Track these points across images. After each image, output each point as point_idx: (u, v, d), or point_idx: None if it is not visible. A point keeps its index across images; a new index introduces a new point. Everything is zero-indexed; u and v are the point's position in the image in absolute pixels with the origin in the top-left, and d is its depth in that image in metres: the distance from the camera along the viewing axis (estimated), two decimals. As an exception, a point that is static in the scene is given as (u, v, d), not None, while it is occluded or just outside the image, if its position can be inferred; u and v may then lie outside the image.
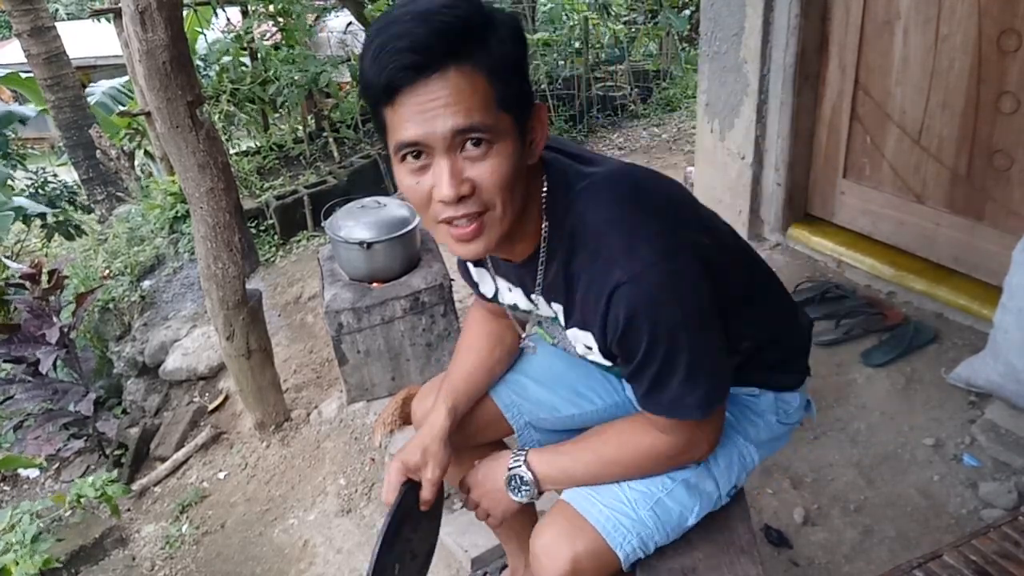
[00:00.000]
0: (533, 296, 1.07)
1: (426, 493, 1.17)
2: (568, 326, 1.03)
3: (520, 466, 1.11)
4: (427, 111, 0.80)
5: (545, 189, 0.96)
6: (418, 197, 0.87)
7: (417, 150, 0.83)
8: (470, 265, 1.18)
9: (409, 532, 1.16)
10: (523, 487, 1.11)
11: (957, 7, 2.15)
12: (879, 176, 2.55)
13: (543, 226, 0.97)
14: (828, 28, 2.54)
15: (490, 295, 1.18)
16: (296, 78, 4.49)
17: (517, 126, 0.85)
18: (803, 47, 2.55)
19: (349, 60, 5.24)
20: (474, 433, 1.31)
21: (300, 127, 5.02)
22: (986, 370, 1.94)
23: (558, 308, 1.04)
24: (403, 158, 0.85)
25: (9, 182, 6.15)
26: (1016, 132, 2.12)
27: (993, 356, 1.91)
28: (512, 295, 1.13)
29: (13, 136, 6.82)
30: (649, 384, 0.97)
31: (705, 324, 0.95)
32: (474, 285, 1.22)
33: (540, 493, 1.12)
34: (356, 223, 2.34)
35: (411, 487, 1.17)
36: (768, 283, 1.17)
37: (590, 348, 1.02)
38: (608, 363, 1.03)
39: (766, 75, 2.66)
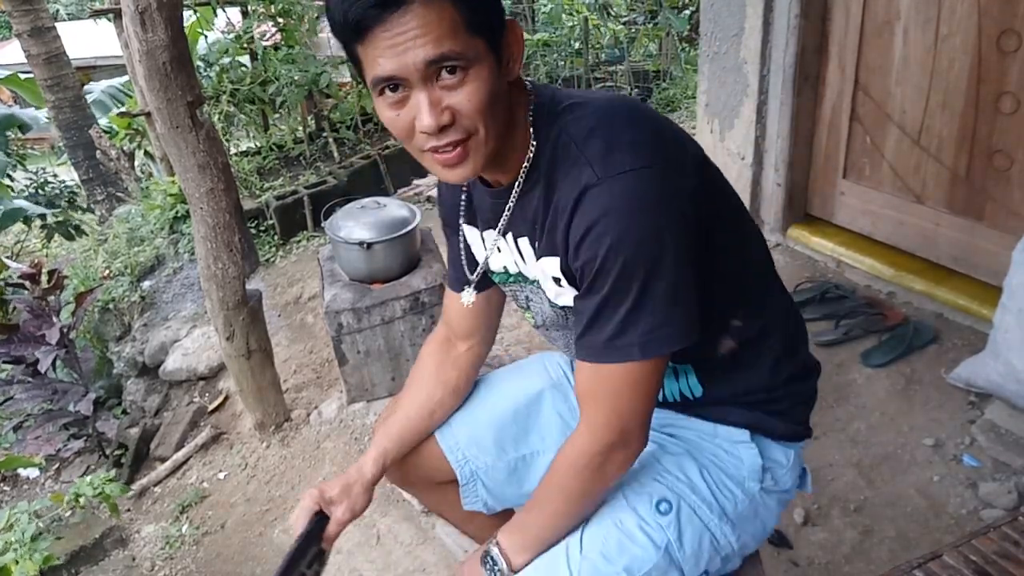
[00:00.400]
0: (507, 239, 1.02)
1: (331, 530, 1.15)
2: (539, 255, 0.98)
3: (491, 546, 1.07)
4: (397, 45, 0.80)
5: (532, 108, 0.94)
6: (400, 129, 0.87)
7: (394, 83, 0.83)
8: (465, 227, 1.13)
9: (305, 566, 1.14)
10: (496, 568, 1.05)
11: (957, 7, 2.15)
12: (879, 176, 2.55)
13: (530, 147, 0.94)
14: (828, 28, 2.54)
15: (481, 259, 1.13)
16: (296, 78, 4.49)
17: (491, 48, 0.84)
18: (803, 47, 2.55)
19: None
20: (428, 472, 1.28)
21: (300, 127, 5.02)
22: (986, 370, 1.94)
23: (525, 244, 0.99)
24: (381, 91, 0.85)
25: (9, 183, 6.15)
26: (1016, 132, 2.12)
27: (993, 356, 1.91)
28: (503, 256, 1.07)
29: (13, 136, 6.81)
30: (591, 316, 0.90)
31: (676, 255, 0.86)
32: (456, 252, 1.17)
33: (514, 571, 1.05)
34: (356, 223, 2.35)
35: (321, 519, 1.15)
36: (767, 272, 1.09)
37: (558, 280, 0.96)
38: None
39: (766, 75, 2.66)
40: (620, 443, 0.96)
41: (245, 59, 4.74)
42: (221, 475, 2.56)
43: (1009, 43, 2.06)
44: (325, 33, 6.17)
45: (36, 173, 6.86)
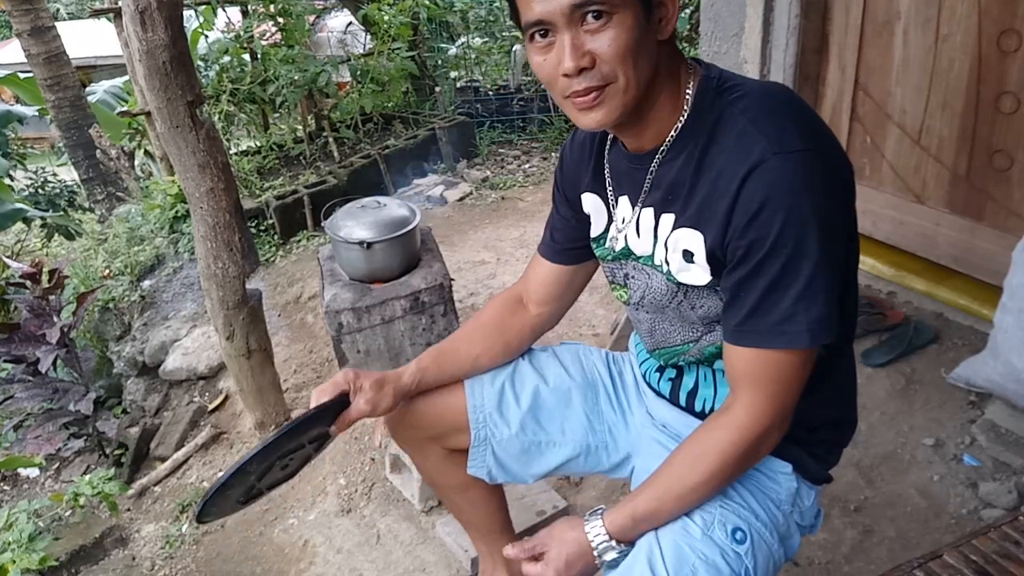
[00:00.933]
0: (643, 209, 1.01)
1: (347, 416, 1.14)
2: (675, 227, 0.96)
3: (602, 537, 1.01)
4: None
5: (698, 83, 0.94)
6: (546, 74, 0.91)
7: (544, 28, 0.88)
8: (586, 196, 1.13)
9: (308, 439, 1.15)
10: (617, 553, 1.02)
11: (957, 7, 2.15)
12: (879, 176, 2.55)
13: (682, 115, 0.94)
14: (828, 28, 2.54)
15: (597, 232, 1.13)
16: (296, 78, 4.49)
17: (642, 3, 0.86)
18: (803, 47, 2.55)
19: (349, 60, 5.24)
20: (441, 425, 1.28)
21: (300, 127, 5.02)
22: (986, 370, 1.94)
23: (668, 217, 0.97)
24: (531, 37, 0.90)
25: (9, 182, 6.14)
26: (1016, 132, 2.12)
27: (993, 356, 1.91)
28: (627, 225, 1.06)
29: (13, 136, 6.82)
30: (757, 300, 0.89)
31: (839, 240, 0.86)
32: (565, 232, 1.18)
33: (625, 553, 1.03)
34: (356, 223, 2.35)
35: (343, 401, 1.15)
36: (855, 310, 1.07)
37: (690, 255, 0.95)
38: (705, 278, 0.95)
39: (766, 75, 2.66)
40: (777, 427, 0.96)
41: (245, 59, 4.75)
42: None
43: (1009, 43, 2.06)
44: (325, 33, 6.18)
45: (36, 173, 6.86)
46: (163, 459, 2.76)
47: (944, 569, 1.17)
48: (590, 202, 1.13)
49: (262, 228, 4.07)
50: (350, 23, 5.91)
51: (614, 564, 1.02)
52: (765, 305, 0.89)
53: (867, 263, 2.58)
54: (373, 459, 2.32)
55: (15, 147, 7.03)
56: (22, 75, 6.29)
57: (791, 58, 2.56)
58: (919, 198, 2.44)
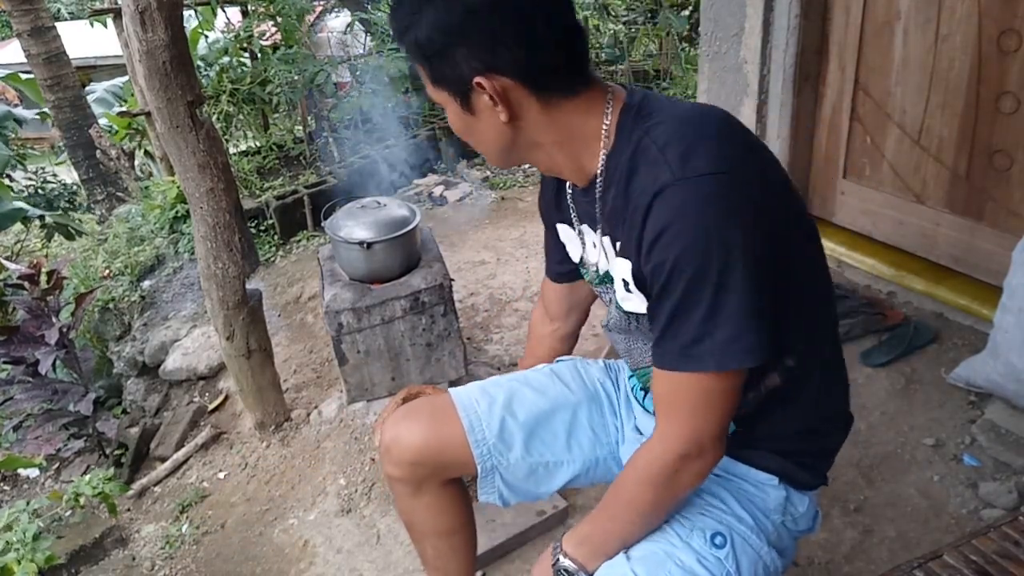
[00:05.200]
0: (600, 239, 1.06)
1: None
2: (616, 257, 1.00)
3: (560, 558, 1.05)
4: None
5: (616, 111, 0.97)
6: None
7: None
8: (558, 226, 1.20)
9: None
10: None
11: (957, 7, 2.15)
12: (879, 176, 2.55)
13: (600, 143, 0.98)
14: (828, 28, 2.54)
15: (576, 259, 1.18)
16: (296, 78, 4.49)
17: (454, 95, 0.97)
18: (803, 47, 2.55)
19: (349, 60, 5.24)
20: (444, 462, 1.27)
21: (300, 127, 5.02)
22: (986, 370, 1.94)
23: (608, 242, 1.03)
24: None
25: (9, 183, 6.14)
26: (1016, 132, 2.12)
27: (993, 356, 1.91)
28: (596, 252, 1.10)
29: (13, 136, 6.81)
30: (666, 322, 0.90)
31: (750, 265, 0.85)
32: (556, 255, 1.26)
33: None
34: (356, 223, 2.34)
35: None
36: (829, 319, 1.08)
37: (626, 284, 0.98)
38: (643, 307, 0.98)
39: (766, 75, 2.66)
40: (694, 454, 0.95)
41: (245, 59, 4.74)
42: (221, 475, 2.56)
43: (1009, 43, 2.06)
44: (325, 33, 6.18)
45: (36, 173, 6.86)
46: (163, 459, 2.76)
47: (944, 569, 1.16)
48: (563, 231, 1.19)
49: (262, 228, 4.07)
50: (350, 23, 5.91)
51: None
52: (672, 328, 0.90)
53: (867, 263, 2.58)
54: (373, 459, 2.32)
55: (15, 147, 7.02)
56: (23, 75, 6.29)
57: (791, 58, 2.56)
58: (919, 198, 2.44)
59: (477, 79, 0.92)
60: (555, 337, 1.40)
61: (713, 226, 0.84)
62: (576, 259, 1.19)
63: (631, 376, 1.28)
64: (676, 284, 0.87)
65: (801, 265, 0.98)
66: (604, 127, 0.97)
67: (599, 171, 1.00)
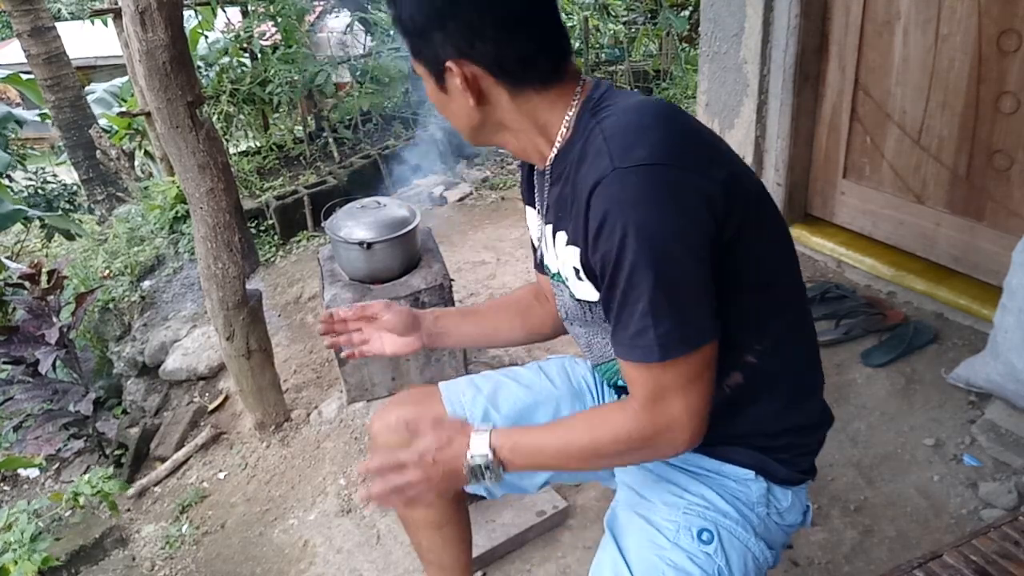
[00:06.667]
0: (545, 226, 1.09)
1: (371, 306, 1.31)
2: (565, 245, 1.01)
3: (484, 445, 1.01)
4: None
5: (579, 102, 1.00)
6: None
7: None
8: (528, 211, 1.21)
9: None
10: (485, 470, 1.02)
11: (957, 7, 2.15)
12: (879, 176, 2.55)
13: (559, 134, 1.01)
14: (828, 28, 2.54)
15: (537, 241, 1.20)
16: (296, 78, 4.49)
17: (432, 73, 1.01)
18: (803, 47, 2.55)
19: (349, 60, 5.24)
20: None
21: (300, 127, 5.02)
22: (986, 370, 1.94)
23: (561, 234, 1.02)
24: None
25: (8, 183, 6.14)
26: (1016, 132, 2.12)
27: (993, 356, 1.91)
28: (545, 247, 1.13)
29: (13, 136, 6.82)
30: (616, 311, 0.91)
31: (689, 254, 0.86)
32: (534, 249, 1.25)
33: (498, 477, 1.03)
34: (356, 223, 2.34)
35: None
36: (797, 314, 1.07)
37: (578, 272, 0.99)
38: (595, 294, 0.98)
39: (766, 75, 2.66)
40: (664, 435, 0.95)
41: (245, 59, 4.74)
42: (221, 475, 2.56)
43: (1009, 43, 2.06)
44: (325, 32, 6.18)
45: (36, 173, 6.86)
46: (163, 459, 2.76)
47: (944, 569, 1.16)
48: (530, 215, 1.21)
49: (262, 228, 4.07)
50: (350, 23, 5.91)
51: (475, 474, 1.02)
52: (623, 318, 0.91)
53: (867, 263, 2.58)
54: (373, 459, 2.32)
55: (15, 147, 7.03)
56: (23, 76, 6.29)
57: (791, 58, 2.56)
58: (919, 198, 2.44)
59: (449, 63, 0.96)
60: (556, 317, 1.29)
61: (646, 216, 0.85)
62: (535, 243, 1.21)
63: (595, 372, 1.27)
64: (618, 275, 0.88)
65: (754, 257, 0.97)
66: (566, 119, 1.00)
67: (550, 161, 1.03)
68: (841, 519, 1.82)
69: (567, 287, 1.06)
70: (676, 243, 0.85)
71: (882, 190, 2.55)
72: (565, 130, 1.00)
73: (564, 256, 1.02)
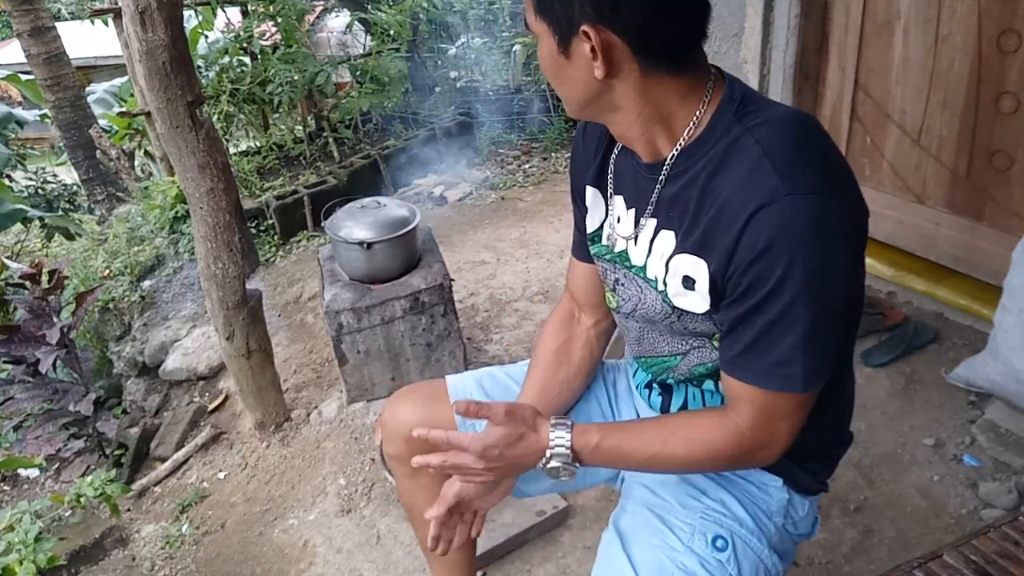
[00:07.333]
0: (642, 220, 1.01)
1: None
2: (676, 252, 0.95)
3: (564, 442, 0.99)
4: None
5: (716, 99, 0.93)
6: None
7: None
8: (588, 188, 1.13)
9: None
10: (563, 470, 1.00)
11: (957, 7, 2.15)
12: (879, 176, 2.55)
13: (693, 133, 0.93)
14: (828, 28, 2.54)
15: (592, 228, 1.13)
16: (296, 78, 4.49)
17: (554, 32, 0.92)
18: (803, 47, 2.55)
19: (349, 60, 5.23)
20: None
21: (300, 127, 5.02)
22: (986, 370, 1.94)
23: (668, 235, 0.97)
24: None
25: (9, 183, 6.14)
26: (1016, 132, 2.12)
27: (993, 356, 1.91)
28: (619, 227, 1.06)
29: (13, 136, 6.82)
30: (753, 337, 0.88)
31: (847, 294, 0.86)
32: (581, 216, 1.16)
33: (571, 476, 1.02)
34: (356, 223, 2.35)
35: None
36: (853, 339, 1.08)
37: (691, 282, 0.94)
38: (704, 307, 0.95)
39: (766, 75, 2.66)
40: (763, 450, 0.96)
41: (245, 59, 4.74)
42: (221, 475, 2.56)
43: (1009, 43, 2.06)
44: (325, 32, 6.19)
45: (36, 173, 6.86)
46: (163, 459, 2.76)
47: (944, 569, 1.16)
48: (591, 195, 1.13)
49: (262, 228, 4.07)
50: (350, 23, 5.91)
51: (552, 473, 1.01)
52: (763, 344, 0.89)
53: (867, 263, 2.58)
54: (373, 459, 2.32)
55: (15, 147, 7.03)
56: (23, 76, 6.29)
57: (791, 58, 2.56)
58: (919, 198, 2.44)
59: (586, 26, 0.87)
60: (594, 336, 1.26)
61: (820, 251, 0.82)
62: (593, 227, 1.13)
63: (637, 370, 1.23)
64: (770, 305, 0.85)
65: (860, 291, 0.99)
66: (696, 115, 0.93)
67: (672, 156, 0.95)
68: (841, 519, 1.82)
69: (654, 288, 1.01)
70: (840, 286, 0.86)
71: (882, 190, 2.55)
72: (694, 126, 0.93)
73: (675, 264, 0.96)
